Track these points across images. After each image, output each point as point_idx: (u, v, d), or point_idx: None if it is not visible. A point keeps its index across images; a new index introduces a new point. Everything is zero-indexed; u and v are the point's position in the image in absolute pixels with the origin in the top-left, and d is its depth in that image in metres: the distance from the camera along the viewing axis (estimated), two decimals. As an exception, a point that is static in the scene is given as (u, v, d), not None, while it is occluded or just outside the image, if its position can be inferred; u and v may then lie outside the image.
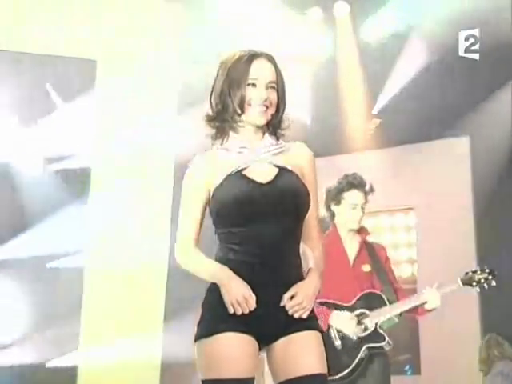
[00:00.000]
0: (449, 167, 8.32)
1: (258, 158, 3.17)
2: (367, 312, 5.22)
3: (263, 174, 3.16)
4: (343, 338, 5.21)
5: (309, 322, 3.14)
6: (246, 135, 3.19)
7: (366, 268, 5.38)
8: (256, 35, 8.30)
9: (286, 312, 3.07)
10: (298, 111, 8.41)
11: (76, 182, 8.33)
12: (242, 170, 3.15)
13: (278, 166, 3.17)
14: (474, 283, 5.27)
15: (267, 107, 3.15)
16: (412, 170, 8.48)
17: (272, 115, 3.17)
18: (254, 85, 3.14)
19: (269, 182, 3.15)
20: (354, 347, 5.20)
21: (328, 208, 5.37)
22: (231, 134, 3.20)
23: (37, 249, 8.04)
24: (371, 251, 5.40)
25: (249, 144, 3.18)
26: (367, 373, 5.26)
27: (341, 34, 8.54)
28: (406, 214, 8.77)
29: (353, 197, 5.34)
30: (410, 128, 8.15)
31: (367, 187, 5.33)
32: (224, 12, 8.30)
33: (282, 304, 3.06)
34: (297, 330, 3.13)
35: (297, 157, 3.25)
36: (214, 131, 3.20)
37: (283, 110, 3.23)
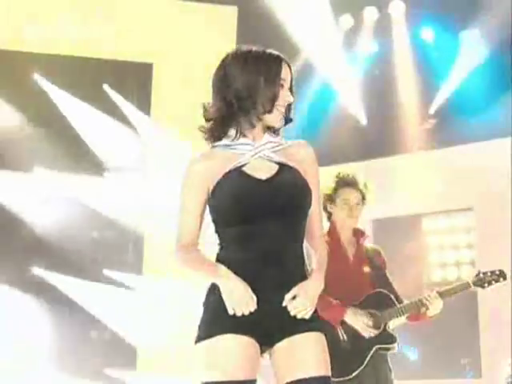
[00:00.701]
0: (508, 166, 8.27)
1: (258, 155, 3.12)
2: (377, 312, 5.14)
3: (263, 170, 3.12)
4: (352, 336, 5.13)
5: (312, 323, 3.10)
6: (247, 132, 3.11)
7: (366, 269, 5.31)
8: (310, 37, 8.51)
9: (289, 313, 3.03)
10: (354, 112, 8.53)
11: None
12: (242, 166, 3.10)
13: (278, 163, 3.12)
14: (486, 284, 5.20)
15: (285, 111, 3.14)
16: (470, 170, 8.43)
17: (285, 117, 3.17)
18: (282, 86, 3.10)
19: (269, 179, 3.11)
20: (364, 347, 5.14)
21: (325, 208, 5.28)
22: (231, 130, 3.11)
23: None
24: (369, 254, 5.34)
25: (249, 141, 3.12)
26: (373, 373, 5.16)
27: (396, 33, 8.57)
28: (465, 215, 8.73)
29: (346, 195, 5.27)
30: (468, 127, 8.12)
31: (361, 185, 5.25)
32: (277, 14, 8.39)
33: (283, 304, 3.02)
34: (300, 331, 3.09)
35: (298, 154, 3.18)
36: (214, 126, 3.11)
37: (288, 114, 3.18)
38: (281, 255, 3.08)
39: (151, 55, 8.99)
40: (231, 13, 9.19)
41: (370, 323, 5.12)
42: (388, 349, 5.13)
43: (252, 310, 3.01)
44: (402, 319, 5.20)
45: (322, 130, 8.53)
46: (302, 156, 3.17)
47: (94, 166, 8.72)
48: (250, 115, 3.05)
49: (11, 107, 8.62)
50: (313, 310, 3.06)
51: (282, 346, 3.09)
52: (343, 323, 5.06)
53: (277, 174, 3.09)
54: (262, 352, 3.09)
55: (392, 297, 5.17)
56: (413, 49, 8.53)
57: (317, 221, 3.22)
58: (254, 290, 3.03)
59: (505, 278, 5.17)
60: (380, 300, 5.18)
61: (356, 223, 5.28)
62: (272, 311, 3.05)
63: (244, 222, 3.07)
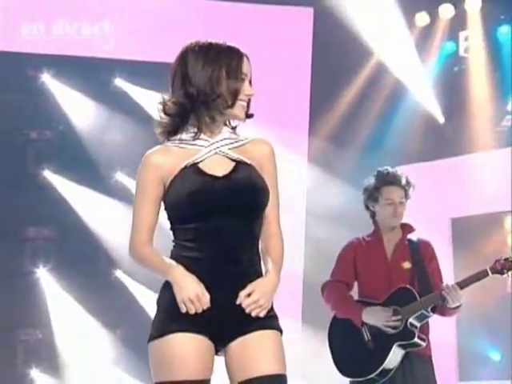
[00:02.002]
0: None
1: (214, 151, 3.09)
2: (399, 308, 5.19)
3: (219, 167, 3.09)
4: (375, 335, 5.21)
5: (267, 321, 3.07)
6: (205, 128, 3.09)
7: (406, 265, 5.33)
8: (383, 37, 8.68)
9: (243, 311, 2.99)
10: (430, 111, 8.59)
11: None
12: (198, 163, 3.07)
13: (235, 160, 3.10)
14: (505, 270, 5.12)
15: (246, 104, 3.12)
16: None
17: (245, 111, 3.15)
18: (243, 80, 3.09)
19: (225, 176, 3.09)
20: (385, 345, 5.19)
21: (367, 207, 5.40)
22: (188, 127, 3.09)
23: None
24: (413, 247, 5.36)
25: (207, 138, 3.09)
26: (405, 374, 5.24)
27: (472, 30, 8.60)
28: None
29: (389, 193, 5.30)
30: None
31: (403, 182, 5.29)
32: (351, 15, 8.57)
33: (238, 302, 2.98)
34: (254, 330, 3.06)
35: (255, 150, 3.15)
36: (172, 121, 3.09)
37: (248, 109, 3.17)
38: (236, 253, 3.04)
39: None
40: (307, 14, 9.20)
41: (390, 320, 5.15)
42: (408, 345, 5.17)
43: (205, 307, 2.99)
44: (426, 314, 5.18)
45: (398, 129, 8.67)
46: (259, 152, 3.13)
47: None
48: (212, 109, 3.03)
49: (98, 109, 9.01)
50: (268, 307, 3.04)
51: (235, 344, 3.05)
52: (364, 324, 5.17)
53: (233, 170, 3.07)
54: (217, 351, 3.06)
55: (415, 292, 5.17)
56: (489, 46, 8.53)
57: (274, 217, 3.17)
58: (207, 289, 2.99)
59: None
60: (402, 296, 5.20)
61: (400, 221, 5.30)
62: (226, 309, 3.03)
63: (198, 219, 3.03)
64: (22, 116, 9.07)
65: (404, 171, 5.98)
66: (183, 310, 2.97)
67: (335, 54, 8.82)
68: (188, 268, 3.02)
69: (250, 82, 3.09)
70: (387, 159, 8.09)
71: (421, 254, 5.35)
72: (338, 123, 9.15)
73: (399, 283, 5.26)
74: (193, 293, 2.97)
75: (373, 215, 5.39)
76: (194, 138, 3.06)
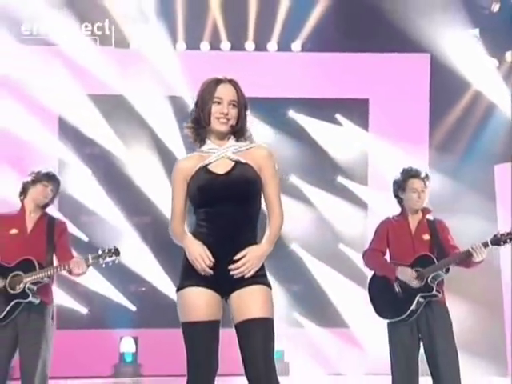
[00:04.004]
0: None
1: (221, 156, 3.68)
2: (421, 269, 5.76)
3: (222, 167, 3.68)
4: (404, 288, 5.77)
5: (257, 279, 3.63)
6: (215, 140, 3.71)
7: (426, 237, 5.87)
8: (478, 70, 10.47)
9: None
10: None
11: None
12: (207, 165, 3.68)
13: (234, 161, 3.66)
14: (501, 243, 5.69)
15: (228, 119, 3.67)
16: None
17: (232, 125, 3.70)
18: (218, 102, 3.66)
19: (225, 173, 3.66)
20: (410, 295, 5.75)
21: (396, 195, 5.95)
22: (206, 140, 3.72)
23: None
24: (431, 225, 5.89)
25: (217, 146, 3.71)
26: (428, 317, 5.80)
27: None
28: None
29: (413, 184, 5.84)
30: None
31: (423, 175, 5.86)
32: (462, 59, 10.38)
33: (234, 265, 3.60)
34: (248, 285, 3.62)
35: (255, 154, 3.73)
36: (193, 136, 3.75)
37: (242, 122, 3.74)
38: (234, 230, 3.62)
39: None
40: (425, 59, 10.87)
41: (415, 277, 5.75)
42: (428, 296, 5.75)
43: (208, 263, 3.59)
44: (441, 273, 5.76)
45: (490, 138, 10.51)
46: (258, 155, 3.72)
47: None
48: (202, 128, 3.72)
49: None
50: (257, 267, 3.61)
51: (234, 295, 3.65)
52: (397, 279, 5.78)
53: (232, 169, 3.66)
54: (226, 300, 3.69)
55: (434, 258, 5.77)
56: None
57: (274, 201, 3.74)
58: (213, 255, 3.60)
59: None
60: (424, 261, 5.81)
61: (422, 205, 5.87)
62: (226, 270, 3.62)
63: (206, 205, 3.66)
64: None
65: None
66: (196, 266, 3.59)
67: (444, 85, 10.58)
68: (201, 240, 3.65)
69: (236, 103, 3.68)
70: (483, 161, 10.39)
71: (437, 229, 5.91)
72: (450, 136, 10.90)
73: (421, 251, 5.84)
74: (197, 252, 3.59)
75: (401, 201, 5.95)
76: (208, 148, 3.72)
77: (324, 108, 11.28)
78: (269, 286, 3.68)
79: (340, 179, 11.37)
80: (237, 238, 3.65)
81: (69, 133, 10.86)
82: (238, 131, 3.75)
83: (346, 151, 11.31)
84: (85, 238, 10.56)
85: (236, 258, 3.59)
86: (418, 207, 5.86)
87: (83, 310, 10.84)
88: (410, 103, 11.05)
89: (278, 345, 9.48)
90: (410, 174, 5.87)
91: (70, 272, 5.93)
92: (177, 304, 3.69)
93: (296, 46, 11.07)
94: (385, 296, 5.89)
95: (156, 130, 11.00)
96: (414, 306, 5.73)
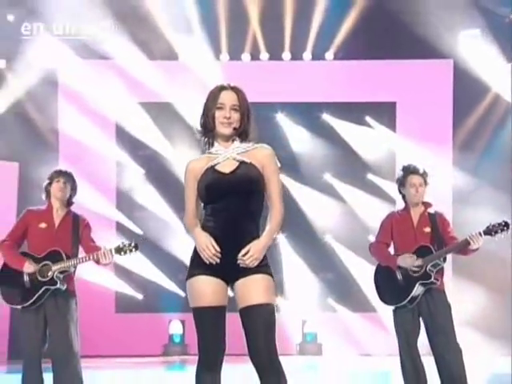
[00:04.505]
0: None
1: (227, 157, 3.81)
2: (421, 259, 5.87)
3: (227, 166, 3.80)
4: (404, 276, 5.90)
5: (260, 268, 3.77)
6: (221, 142, 3.84)
7: (427, 229, 5.97)
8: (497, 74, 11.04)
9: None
10: None
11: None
12: (215, 165, 3.81)
13: (239, 161, 3.79)
14: (493, 233, 5.82)
15: (230, 123, 3.80)
16: None
17: (235, 128, 3.82)
18: (221, 108, 3.80)
19: (231, 172, 3.79)
20: (411, 283, 5.88)
21: (400, 191, 6.06)
22: (214, 142, 3.85)
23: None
24: (432, 218, 6.00)
25: (223, 148, 3.84)
26: (428, 302, 5.93)
27: None
28: None
29: (411, 179, 5.95)
30: None
31: (421, 171, 5.96)
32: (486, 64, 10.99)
33: (240, 256, 3.74)
34: (251, 274, 3.75)
35: (258, 154, 3.85)
36: (203, 140, 3.88)
37: (245, 124, 3.86)
38: (237, 223, 3.77)
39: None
40: (448, 64, 11.44)
41: (415, 265, 5.87)
42: (427, 284, 5.87)
43: (213, 251, 3.74)
44: (439, 262, 5.88)
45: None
46: (260, 155, 3.85)
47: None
48: (208, 132, 3.86)
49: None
50: (259, 259, 3.75)
51: (239, 283, 3.79)
52: (399, 268, 5.91)
53: (236, 168, 3.79)
54: (231, 287, 3.83)
55: (432, 248, 5.88)
56: None
57: (275, 197, 3.86)
58: (220, 247, 3.75)
59: (508, 227, 5.81)
60: (424, 251, 5.94)
61: (421, 199, 5.97)
62: (231, 260, 3.77)
63: (212, 201, 3.81)
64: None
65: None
66: (203, 256, 3.74)
67: (466, 89, 11.21)
68: (208, 232, 3.80)
69: (238, 107, 3.80)
70: (501, 159, 10.96)
71: (437, 221, 6.01)
72: (472, 136, 11.45)
73: (421, 242, 5.96)
74: (203, 243, 3.75)
75: (403, 196, 6.06)
76: (216, 150, 3.86)
77: (354, 111, 11.92)
78: (270, 274, 3.82)
79: (370, 176, 11.91)
80: (240, 230, 3.79)
81: (124, 137, 11.81)
82: (242, 133, 3.89)
83: (375, 151, 11.91)
84: (139, 232, 11.48)
85: (240, 254, 3.76)
86: (416, 201, 5.97)
87: (139, 296, 11.78)
88: (434, 106, 11.59)
89: (312, 328, 10.86)
90: (409, 171, 5.99)
91: (97, 262, 6.12)
92: (187, 291, 3.84)
93: (329, 55, 11.89)
94: (388, 284, 6.03)
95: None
96: (413, 292, 5.84)
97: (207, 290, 3.76)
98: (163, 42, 11.58)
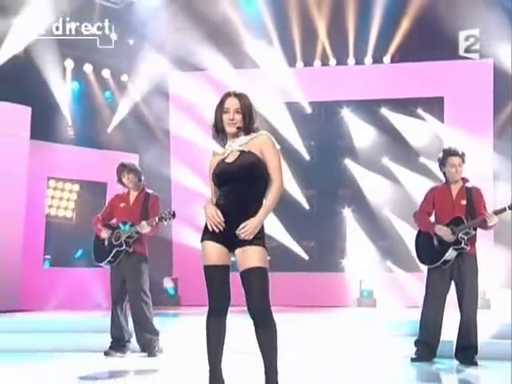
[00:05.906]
0: None
1: (232, 150, 4.26)
2: (454, 228, 6.25)
3: (231, 157, 4.26)
4: (440, 242, 6.22)
5: (255, 241, 4.17)
6: (231, 139, 4.29)
7: (463, 202, 6.32)
8: None
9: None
10: None
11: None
12: (224, 158, 4.28)
13: (240, 151, 4.22)
14: (500, 214, 6.21)
15: (235, 123, 4.25)
16: None
17: (239, 127, 4.26)
18: (227, 112, 4.26)
19: (233, 161, 4.25)
20: (445, 248, 6.25)
21: (441, 169, 6.48)
22: (227, 140, 4.29)
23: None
24: (469, 192, 6.37)
25: (231, 144, 4.28)
26: (460, 266, 6.36)
27: None
28: None
29: (452, 160, 6.35)
30: None
31: (460, 153, 6.31)
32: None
33: (238, 229, 4.16)
34: (248, 244, 4.18)
35: (256, 142, 4.24)
36: (218, 140, 4.33)
37: (247, 122, 4.27)
38: (240, 203, 4.20)
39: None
40: (488, 64, 12.08)
41: (449, 233, 6.25)
42: (458, 249, 6.25)
43: (218, 220, 4.17)
44: (469, 231, 6.24)
45: None
46: (258, 142, 4.25)
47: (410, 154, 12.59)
48: (220, 131, 4.33)
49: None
50: (254, 233, 4.16)
51: (239, 251, 4.24)
52: (436, 234, 6.28)
53: (238, 157, 4.24)
54: (233, 253, 4.30)
55: (464, 219, 6.24)
56: None
57: (274, 175, 4.22)
58: (226, 221, 4.19)
59: (510, 208, 6.12)
60: (458, 221, 6.35)
61: (460, 176, 6.40)
62: (233, 232, 4.21)
63: (221, 186, 4.28)
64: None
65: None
66: (209, 224, 4.19)
67: (504, 85, 11.89)
68: (218, 208, 4.26)
69: (240, 110, 4.24)
70: None
71: (473, 195, 6.41)
72: (510, 125, 12.07)
73: (457, 213, 6.39)
74: (209, 213, 4.24)
75: (444, 174, 6.48)
76: (228, 145, 4.36)
77: (408, 105, 12.89)
78: (263, 246, 4.28)
79: (421, 160, 12.70)
80: (242, 208, 4.27)
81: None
82: (246, 130, 4.36)
83: (426, 139, 12.72)
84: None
85: (239, 229, 4.22)
86: (456, 178, 6.38)
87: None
88: (477, 99, 12.33)
89: (369, 285, 12.72)
90: (449, 153, 6.45)
91: (138, 232, 6.89)
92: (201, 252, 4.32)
93: (387, 59, 13.15)
94: (426, 247, 6.48)
95: (279, 129, 12.83)
96: (447, 255, 6.27)
97: (213, 252, 4.28)
98: (246, 53, 12.72)
